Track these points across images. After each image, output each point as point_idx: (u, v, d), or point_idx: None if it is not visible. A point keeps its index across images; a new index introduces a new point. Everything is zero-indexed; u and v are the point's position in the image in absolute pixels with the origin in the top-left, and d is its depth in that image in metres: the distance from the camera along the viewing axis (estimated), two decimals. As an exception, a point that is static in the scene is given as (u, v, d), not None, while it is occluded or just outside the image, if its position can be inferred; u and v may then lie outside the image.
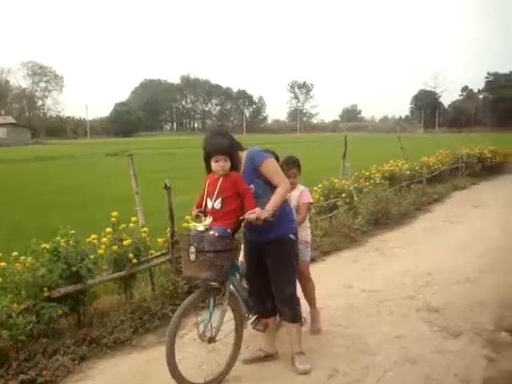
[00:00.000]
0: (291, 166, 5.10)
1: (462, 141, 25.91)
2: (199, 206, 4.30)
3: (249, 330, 4.69)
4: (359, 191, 11.50)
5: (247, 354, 4.70)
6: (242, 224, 4.29)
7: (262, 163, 4.22)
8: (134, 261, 5.70)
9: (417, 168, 15.63)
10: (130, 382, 4.35)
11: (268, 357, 4.70)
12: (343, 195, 10.68)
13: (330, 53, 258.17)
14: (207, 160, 4.22)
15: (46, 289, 4.86)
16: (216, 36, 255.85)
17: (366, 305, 6.14)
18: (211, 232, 3.99)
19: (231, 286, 4.33)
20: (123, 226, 5.86)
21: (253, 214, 3.98)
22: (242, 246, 4.87)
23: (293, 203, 5.03)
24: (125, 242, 5.68)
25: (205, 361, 4.40)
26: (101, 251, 5.61)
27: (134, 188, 6.33)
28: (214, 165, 4.14)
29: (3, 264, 4.99)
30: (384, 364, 4.58)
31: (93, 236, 5.75)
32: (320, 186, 10.74)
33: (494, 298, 6.27)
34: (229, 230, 4.09)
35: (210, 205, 4.16)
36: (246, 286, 4.74)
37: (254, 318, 4.80)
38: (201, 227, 4.06)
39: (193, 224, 4.31)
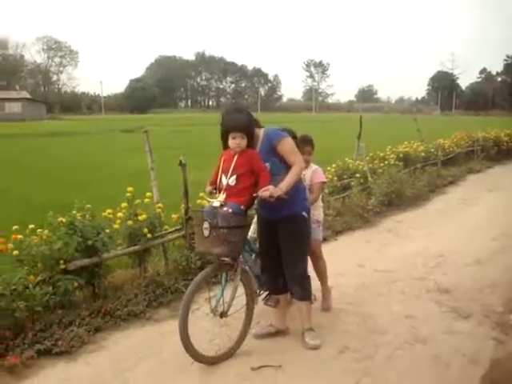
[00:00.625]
0: (305, 144, 5.13)
1: (479, 124, 25.76)
2: (213, 183, 4.33)
3: (260, 306, 4.76)
4: (373, 172, 11.49)
5: (258, 330, 4.76)
6: (255, 201, 4.34)
7: (280, 142, 4.23)
8: (149, 236, 5.78)
9: (432, 150, 15.54)
10: (143, 354, 4.43)
11: (279, 332, 4.75)
12: (357, 175, 10.68)
13: (347, 32, 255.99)
14: (224, 136, 4.25)
15: (62, 261, 4.94)
16: (232, 13, 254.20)
17: (377, 284, 6.19)
18: (225, 208, 4.03)
19: (243, 262, 4.40)
20: (138, 201, 5.92)
21: (266, 191, 4.00)
22: (254, 222, 4.97)
23: (306, 182, 5.07)
24: (140, 217, 5.75)
25: (216, 335, 4.47)
26: (116, 226, 5.68)
27: (149, 164, 6.38)
28: (230, 141, 4.17)
29: (20, 236, 5.06)
30: (394, 343, 4.63)
31: (108, 211, 5.82)
32: (334, 165, 10.74)
33: (505, 280, 6.30)
34: (242, 207, 4.13)
35: (224, 181, 4.19)
36: (258, 261, 4.81)
37: (265, 293, 4.85)
38: (216, 203, 4.11)
39: (207, 200, 4.35)
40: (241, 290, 4.39)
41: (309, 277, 4.63)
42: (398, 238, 8.53)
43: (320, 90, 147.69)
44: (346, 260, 7.14)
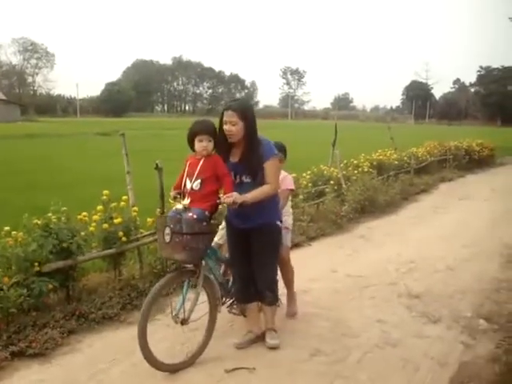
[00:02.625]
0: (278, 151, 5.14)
1: (452, 133, 26.15)
2: (177, 187, 4.29)
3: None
4: (347, 179, 11.63)
5: (239, 340, 4.70)
6: (226, 210, 4.38)
7: (269, 159, 4.23)
8: (124, 239, 5.80)
9: (405, 158, 15.79)
10: (117, 356, 4.45)
11: (258, 337, 4.73)
12: (331, 182, 10.81)
13: (324, 40, 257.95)
14: (190, 140, 4.22)
15: (36, 264, 4.93)
16: (209, 18, 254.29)
17: (349, 289, 6.29)
18: (189, 214, 3.99)
19: (207, 269, 4.36)
20: (114, 204, 5.94)
21: (230, 197, 3.99)
22: (221, 228, 5.02)
23: None
24: (115, 221, 5.77)
25: (177, 343, 4.44)
26: (91, 228, 5.70)
27: (125, 167, 6.39)
28: (197, 145, 4.15)
29: (-6, 238, 5.05)
30: (365, 346, 4.72)
31: (84, 213, 5.82)
32: (309, 172, 10.85)
33: (474, 286, 6.44)
34: (206, 213, 4.10)
35: (188, 185, 4.16)
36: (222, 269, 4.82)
37: (230, 301, 4.91)
38: (179, 206, 4.09)
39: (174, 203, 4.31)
40: (203, 297, 4.36)
41: (277, 281, 4.74)
42: (370, 244, 8.65)
43: (296, 97, 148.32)
44: (319, 265, 7.23)
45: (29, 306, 4.86)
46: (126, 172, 6.41)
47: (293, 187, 5.37)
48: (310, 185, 10.27)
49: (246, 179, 4.29)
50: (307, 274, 6.71)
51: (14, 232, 5.17)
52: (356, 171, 12.27)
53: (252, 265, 4.52)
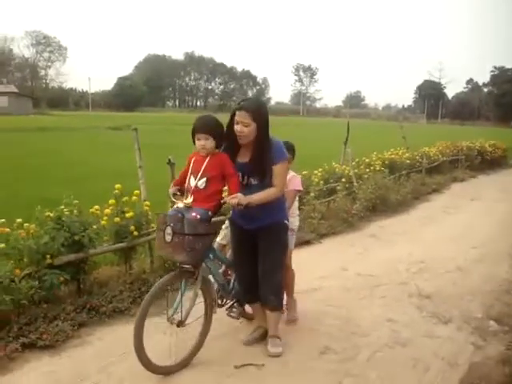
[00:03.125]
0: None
1: (464, 133, 26.00)
2: (178, 183, 4.20)
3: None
4: (359, 177, 11.61)
5: (247, 337, 4.65)
6: (231, 210, 4.32)
7: (280, 162, 4.12)
8: (135, 233, 5.82)
9: (417, 158, 15.73)
10: (127, 350, 4.44)
11: (267, 333, 4.61)
12: (343, 180, 10.78)
13: (337, 37, 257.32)
14: (193, 137, 4.12)
15: (48, 256, 4.97)
16: (222, 14, 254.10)
17: (360, 288, 6.27)
18: (193, 214, 3.87)
19: (206, 270, 4.24)
20: (126, 198, 5.96)
21: (234, 198, 3.88)
22: (224, 228, 4.95)
23: None
24: (127, 215, 5.79)
25: (171, 344, 4.17)
26: (103, 222, 5.72)
27: (137, 162, 6.41)
28: (196, 143, 4.05)
29: (7, 230, 5.08)
30: (374, 345, 4.71)
31: (96, 207, 5.84)
32: (320, 169, 10.83)
33: (484, 287, 6.41)
34: (209, 213, 3.98)
35: (193, 183, 4.03)
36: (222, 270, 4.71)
37: (230, 303, 4.78)
38: (180, 204, 3.96)
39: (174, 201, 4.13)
40: (199, 298, 4.23)
41: (283, 286, 4.60)
42: (381, 242, 8.63)
43: (308, 95, 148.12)
44: (330, 263, 7.22)
45: (40, 298, 4.89)
46: (138, 166, 6.43)
47: (300, 188, 5.20)
48: (321, 182, 10.24)
49: (254, 181, 4.16)
50: (317, 272, 6.72)
51: (26, 224, 5.20)
52: (368, 170, 12.24)
53: (257, 266, 4.39)
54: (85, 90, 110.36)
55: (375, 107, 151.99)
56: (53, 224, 5.19)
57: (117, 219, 5.75)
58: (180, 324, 4.05)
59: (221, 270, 4.66)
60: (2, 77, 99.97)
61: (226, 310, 4.78)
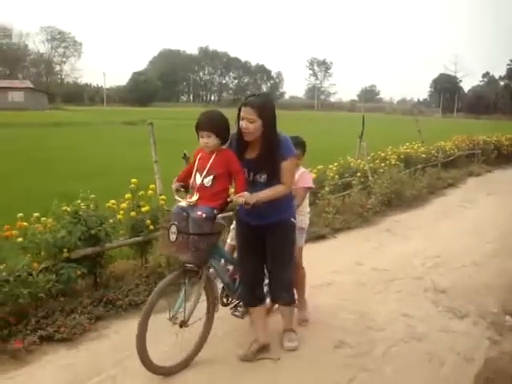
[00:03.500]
0: (295, 147, 4.38)
1: (480, 127, 25.81)
2: (181, 179, 4.09)
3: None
4: (374, 171, 11.57)
5: (244, 351, 4.35)
6: (237, 208, 4.22)
7: (288, 159, 4.00)
8: (151, 227, 5.85)
9: (432, 152, 15.63)
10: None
11: (265, 347, 4.40)
12: (358, 175, 10.75)
13: (351, 31, 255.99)
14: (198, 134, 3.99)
15: (65, 250, 5.01)
16: (236, 8, 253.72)
17: (375, 282, 6.27)
18: (198, 212, 3.75)
19: (211, 269, 4.18)
20: (141, 192, 5.99)
21: (241, 197, 3.76)
22: (232, 228, 4.85)
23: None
24: (143, 209, 5.83)
25: (173, 344, 4.15)
26: (119, 216, 5.76)
27: (153, 156, 6.45)
28: (200, 140, 3.91)
29: (25, 224, 5.14)
30: (390, 340, 4.71)
31: (112, 201, 5.89)
32: (336, 164, 10.81)
33: (500, 282, 6.38)
34: (215, 211, 3.84)
35: (198, 180, 3.91)
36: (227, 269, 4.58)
37: (235, 302, 4.68)
38: (183, 203, 3.88)
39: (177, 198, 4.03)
40: (202, 297, 4.14)
41: (293, 282, 4.53)
42: (396, 237, 8.60)
43: (322, 89, 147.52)
44: (345, 258, 7.21)
45: (57, 292, 4.94)
46: (154, 161, 6.46)
47: (311, 185, 5.04)
48: (336, 177, 10.23)
49: (261, 179, 4.03)
50: (332, 266, 6.72)
51: (43, 218, 5.25)
52: (383, 164, 12.20)
53: (261, 265, 4.35)
54: (99, 86, 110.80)
55: (390, 101, 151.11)
56: (70, 218, 5.24)
57: (133, 213, 5.80)
58: (183, 324, 3.98)
59: (230, 271, 4.57)
60: (18, 72, 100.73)
61: (231, 309, 4.69)
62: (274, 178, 4.00)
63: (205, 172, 3.88)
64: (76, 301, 5.00)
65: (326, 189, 9.38)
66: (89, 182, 10.57)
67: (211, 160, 3.89)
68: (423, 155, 14.86)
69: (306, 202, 5.11)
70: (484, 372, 4.19)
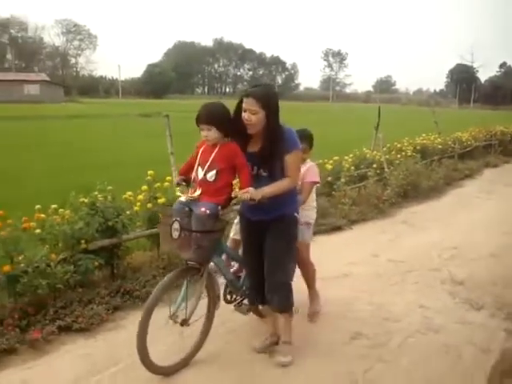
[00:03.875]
0: (301, 140, 4.19)
1: (497, 118, 25.54)
2: (184, 172, 3.96)
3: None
4: (390, 163, 11.52)
5: (259, 344, 4.32)
6: (240, 203, 4.05)
7: (293, 152, 3.83)
8: (168, 219, 5.86)
9: (449, 143, 15.53)
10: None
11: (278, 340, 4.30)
12: (374, 166, 10.72)
13: (366, 21, 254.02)
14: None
15: (83, 241, 5.06)
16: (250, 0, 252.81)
17: (391, 274, 6.25)
18: (202, 208, 3.61)
19: (214, 266, 4.06)
20: (158, 184, 6.02)
21: (246, 193, 3.61)
22: (236, 223, 4.75)
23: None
24: (159, 201, 5.85)
25: (174, 343, 4.14)
26: (136, 208, 5.80)
27: (169, 148, 6.48)
28: (201, 133, 3.79)
29: (43, 216, 5.19)
30: (406, 331, 4.70)
31: (129, 193, 5.93)
32: (351, 155, 10.79)
33: (518, 274, 6.32)
34: (219, 207, 3.71)
35: (200, 175, 3.78)
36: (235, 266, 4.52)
37: (239, 299, 4.52)
38: (182, 198, 3.78)
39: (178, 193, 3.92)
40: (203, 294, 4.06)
41: (290, 286, 4.15)
42: (412, 229, 8.57)
43: (338, 80, 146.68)
44: (361, 249, 7.20)
45: (75, 283, 4.99)
46: (170, 153, 6.49)
47: (317, 179, 4.84)
48: (352, 168, 10.20)
49: (264, 173, 3.87)
50: (348, 258, 6.71)
51: (60, 210, 5.30)
52: (399, 155, 12.14)
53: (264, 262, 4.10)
54: (115, 78, 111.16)
55: (406, 92, 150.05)
56: (87, 210, 5.28)
57: (149, 205, 5.82)
58: (184, 323, 3.88)
59: (233, 269, 4.48)
60: (34, 65, 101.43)
61: (234, 305, 4.55)
62: (277, 172, 3.84)
63: (207, 166, 3.74)
64: (93, 291, 5.05)
65: (342, 180, 9.37)
66: (105, 174, 10.61)
67: (214, 153, 3.75)
68: (440, 146, 14.77)
69: (313, 196, 4.95)
70: (501, 364, 4.18)
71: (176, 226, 3.64)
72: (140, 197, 5.87)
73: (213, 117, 3.73)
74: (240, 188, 3.76)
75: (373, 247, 7.31)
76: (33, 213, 5.18)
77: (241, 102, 3.78)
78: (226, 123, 3.76)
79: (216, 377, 3.97)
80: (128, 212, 5.63)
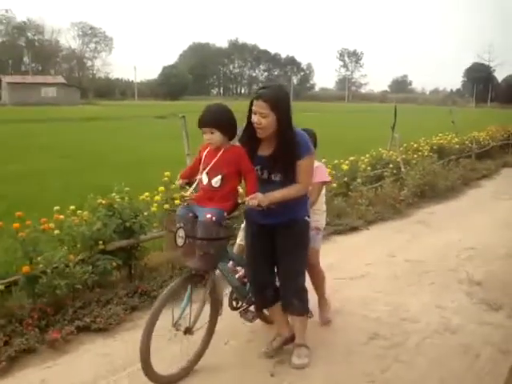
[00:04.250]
0: None
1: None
2: (186, 176, 3.83)
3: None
4: (406, 163, 11.47)
5: (267, 347, 4.21)
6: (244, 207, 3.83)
7: (306, 158, 3.70)
8: (185, 220, 5.89)
9: (466, 142, 15.42)
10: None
11: (288, 340, 4.21)
12: (390, 166, 10.68)
13: (381, 21, 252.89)
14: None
15: (100, 242, 5.11)
16: (265, 0, 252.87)
17: (408, 274, 6.23)
18: (207, 215, 3.47)
19: (219, 273, 3.97)
20: (175, 185, 6.04)
21: (254, 199, 3.48)
22: (242, 229, 4.63)
23: None
24: (176, 202, 5.87)
25: (176, 352, 3.95)
26: (153, 209, 5.83)
27: (185, 150, 6.50)
28: (203, 136, 3.64)
29: (61, 217, 5.25)
30: (424, 331, 4.68)
31: (146, 194, 5.97)
32: (368, 155, 10.76)
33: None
34: (225, 214, 3.59)
35: (205, 181, 3.63)
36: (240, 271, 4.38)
37: (245, 306, 4.39)
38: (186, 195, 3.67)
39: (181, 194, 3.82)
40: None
41: (307, 289, 4.12)
42: (429, 229, 8.53)
43: (353, 80, 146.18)
44: (377, 250, 7.18)
45: (93, 283, 5.04)
46: (186, 154, 6.51)
47: (327, 179, 4.74)
48: (368, 168, 10.18)
49: (276, 177, 3.74)
50: (365, 258, 6.70)
51: (79, 211, 5.36)
52: (416, 155, 12.08)
53: (271, 266, 4.05)
54: (130, 80, 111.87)
55: (422, 91, 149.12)
56: (105, 211, 5.33)
57: (166, 206, 5.85)
58: (187, 331, 3.77)
59: (238, 275, 4.35)
60: (50, 68, 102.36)
61: (239, 312, 4.42)
62: (289, 178, 3.71)
63: (212, 171, 3.59)
64: (111, 292, 5.09)
65: (359, 180, 9.36)
66: (122, 175, 10.70)
67: (217, 158, 3.58)
68: (457, 146, 14.69)
69: (323, 199, 4.79)
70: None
71: (181, 233, 3.54)
72: (157, 197, 5.91)
73: (216, 119, 3.59)
74: (246, 194, 3.62)
75: (390, 247, 7.29)
76: (51, 214, 5.24)
77: (252, 104, 3.65)
78: (231, 126, 3.64)
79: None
80: (145, 213, 5.67)
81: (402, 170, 11.03)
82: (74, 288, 4.79)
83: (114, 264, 5.16)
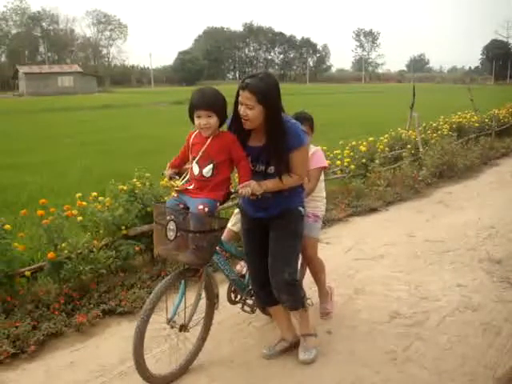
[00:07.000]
0: (302, 123, 3.86)
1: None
2: (175, 165, 3.65)
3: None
4: (425, 142, 11.40)
5: (268, 349, 4.02)
6: (240, 198, 3.74)
7: (300, 149, 3.48)
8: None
9: (486, 120, 15.26)
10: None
11: (292, 346, 4.03)
12: (408, 146, 10.64)
13: (397, 0, 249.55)
14: (191, 115, 3.44)
15: (123, 227, 5.20)
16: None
17: (428, 254, 6.24)
18: (200, 206, 3.28)
19: (211, 268, 3.88)
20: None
21: (247, 187, 3.32)
22: (235, 213, 4.61)
23: None
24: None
25: (171, 349, 3.84)
26: (174, 194, 5.87)
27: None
28: (196, 121, 3.37)
29: (84, 203, 5.34)
30: (444, 310, 4.71)
31: (166, 179, 6.02)
32: (386, 136, 10.74)
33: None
34: (218, 204, 3.45)
35: (196, 171, 3.42)
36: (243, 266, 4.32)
37: (244, 299, 4.25)
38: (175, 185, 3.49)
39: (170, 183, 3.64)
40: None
41: (297, 282, 3.85)
42: (449, 209, 8.51)
43: (370, 60, 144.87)
44: (397, 230, 7.20)
45: (117, 268, 5.15)
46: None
47: (325, 164, 4.50)
48: (386, 149, 10.16)
49: (271, 170, 3.52)
50: (384, 239, 6.73)
51: (101, 198, 5.44)
52: (435, 134, 12.00)
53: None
54: (146, 67, 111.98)
55: (440, 70, 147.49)
56: (126, 197, 5.41)
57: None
58: (182, 328, 3.65)
59: (237, 267, 4.34)
60: (66, 57, 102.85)
61: (240, 305, 4.31)
62: (282, 170, 3.49)
63: (202, 160, 3.39)
64: (135, 276, 5.19)
65: (377, 161, 9.34)
66: (141, 161, 10.79)
67: (206, 145, 3.37)
68: (476, 124, 14.54)
69: (322, 185, 4.57)
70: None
71: (172, 226, 3.31)
72: (177, 182, 5.95)
73: (214, 102, 3.35)
74: (239, 182, 3.45)
75: (409, 228, 7.30)
76: (74, 201, 5.33)
77: (238, 94, 3.41)
78: (225, 111, 3.42)
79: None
80: (166, 198, 5.72)
81: (421, 150, 10.97)
82: (99, 273, 4.89)
83: (137, 248, 5.25)
